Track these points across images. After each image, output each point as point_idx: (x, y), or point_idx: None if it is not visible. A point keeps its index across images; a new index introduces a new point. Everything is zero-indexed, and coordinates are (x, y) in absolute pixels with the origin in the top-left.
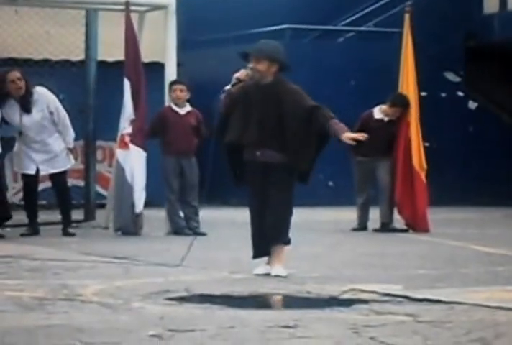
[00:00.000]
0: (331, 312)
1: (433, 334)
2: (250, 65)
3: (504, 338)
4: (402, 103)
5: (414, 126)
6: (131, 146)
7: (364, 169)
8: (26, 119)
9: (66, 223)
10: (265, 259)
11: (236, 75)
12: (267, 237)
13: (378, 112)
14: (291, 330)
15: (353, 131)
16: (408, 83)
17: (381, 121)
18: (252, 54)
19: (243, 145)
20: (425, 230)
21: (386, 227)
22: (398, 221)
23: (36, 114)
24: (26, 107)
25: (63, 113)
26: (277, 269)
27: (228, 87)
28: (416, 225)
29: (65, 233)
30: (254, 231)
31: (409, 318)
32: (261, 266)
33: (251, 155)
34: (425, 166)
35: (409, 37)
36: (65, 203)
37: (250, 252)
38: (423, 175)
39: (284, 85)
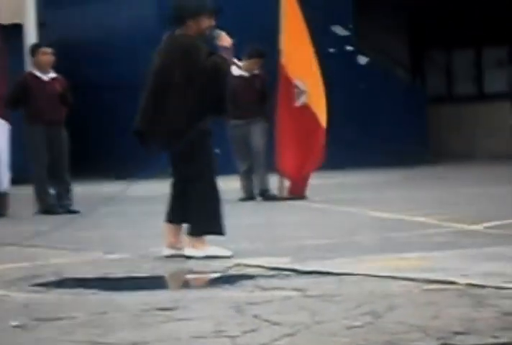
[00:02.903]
0: (213, 290)
1: (322, 309)
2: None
3: (397, 311)
4: (259, 53)
5: (316, 84)
6: None
7: (240, 133)
8: None
9: None
10: (163, 238)
11: (224, 43)
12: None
13: (236, 69)
14: (169, 312)
15: None
16: (295, 40)
17: (241, 77)
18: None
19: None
20: (301, 196)
21: (267, 194)
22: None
23: None
24: None
25: None
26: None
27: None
28: (294, 189)
29: None
30: None
31: (297, 293)
32: (166, 248)
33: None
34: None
35: None
36: None
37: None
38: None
39: None
